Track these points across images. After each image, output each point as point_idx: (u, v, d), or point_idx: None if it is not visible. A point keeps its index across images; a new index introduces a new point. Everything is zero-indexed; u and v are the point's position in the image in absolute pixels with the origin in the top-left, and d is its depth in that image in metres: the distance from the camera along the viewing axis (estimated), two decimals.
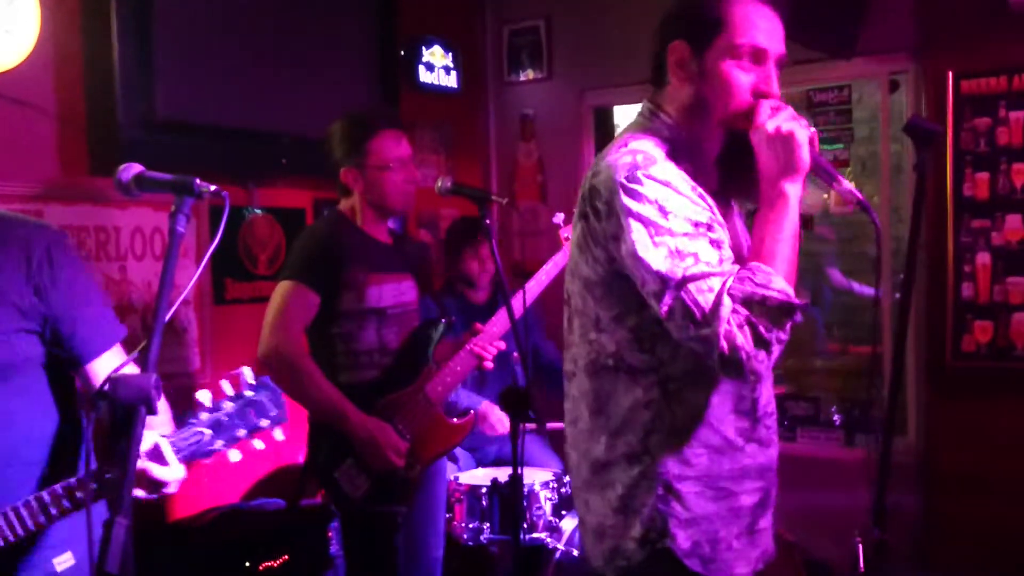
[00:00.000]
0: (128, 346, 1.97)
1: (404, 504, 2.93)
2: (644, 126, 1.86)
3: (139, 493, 1.73)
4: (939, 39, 4.08)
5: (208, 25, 3.65)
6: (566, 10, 5.05)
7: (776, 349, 1.66)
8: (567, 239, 3.31)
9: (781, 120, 1.73)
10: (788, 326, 1.66)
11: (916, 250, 1.88)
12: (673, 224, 1.69)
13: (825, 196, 4.88)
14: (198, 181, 1.56)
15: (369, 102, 4.21)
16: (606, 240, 1.77)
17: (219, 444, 1.78)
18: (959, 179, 4.05)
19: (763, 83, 1.78)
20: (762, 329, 1.63)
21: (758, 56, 1.77)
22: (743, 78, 1.77)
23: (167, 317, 1.50)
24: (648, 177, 1.71)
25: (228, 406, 1.79)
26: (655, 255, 1.68)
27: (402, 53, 4.67)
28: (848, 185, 1.76)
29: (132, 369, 1.54)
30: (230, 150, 3.73)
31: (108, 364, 1.93)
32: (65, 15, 3.30)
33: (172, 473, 1.73)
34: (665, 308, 1.68)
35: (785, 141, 1.71)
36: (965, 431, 4.04)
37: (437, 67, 4.90)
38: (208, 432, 1.75)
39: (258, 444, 1.74)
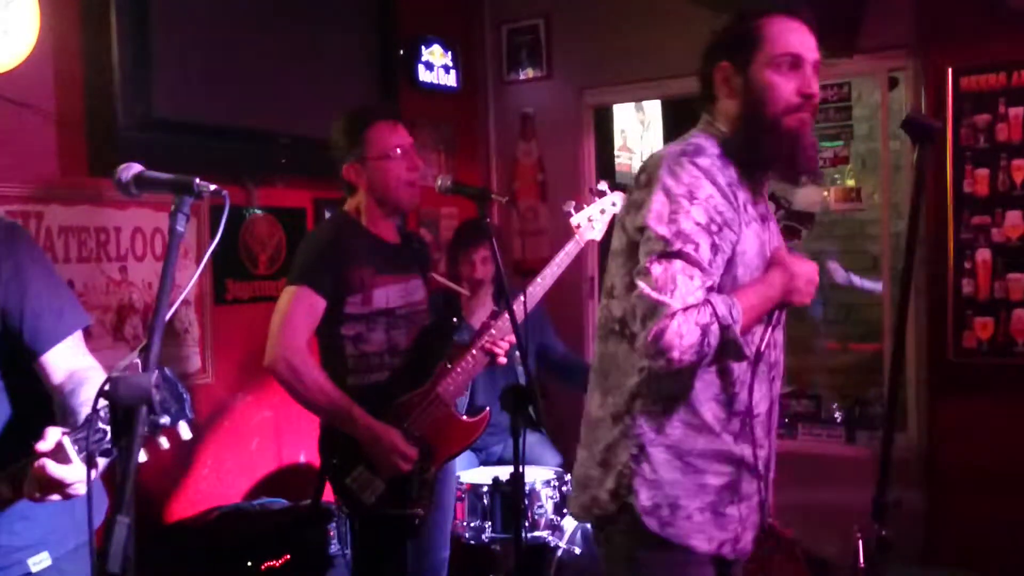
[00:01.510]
0: (94, 340, 1.90)
1: (420, 506, 2.89)
2: (706, 129, 2.07)
3: (36, 495, 1.63)
4: (938, 36, 4.08)
5: (207, 25, 3.64)
6: (565, 9, 5.04)
7: (686, 365, 1.80)
8: (578, 227, 3.25)
9: (802, 284, 1.96)
10: (717, 356, 1.84)
11: (914, 247, 1.90)
12: (694, 210, 1.87)
13: (825, 194, 4.88)
14: (198, 180, 1.54)
15: (368, 101, 4.21)
16: (634, 208, 1.95)
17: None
18: (959, 175, 4.05)
19: (804, 86, 1.97)
20: (706, 342, 1.79)
21: (796, 62, 1.97)
22: (785, 83, 1.96)
23: (167, 316, 1.49)
24: (691, 163, 1.91)
25: None
26: (666, 226, 1.85)
27: (401, 52, 4.67)
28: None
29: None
30: (230, 150, 3.73)
31: (62, 355, 1.88)
32: (64, 15, 3.30)
33: (74, 472, 1.60)
34: (649, 263, 1.84)
35: (795, 290, 1.96)
36: (966, 427, 4.05)
37: (436, 66, 4.90)
38: (110, 430, 1.54)
39: (163, 442, 1.58)
